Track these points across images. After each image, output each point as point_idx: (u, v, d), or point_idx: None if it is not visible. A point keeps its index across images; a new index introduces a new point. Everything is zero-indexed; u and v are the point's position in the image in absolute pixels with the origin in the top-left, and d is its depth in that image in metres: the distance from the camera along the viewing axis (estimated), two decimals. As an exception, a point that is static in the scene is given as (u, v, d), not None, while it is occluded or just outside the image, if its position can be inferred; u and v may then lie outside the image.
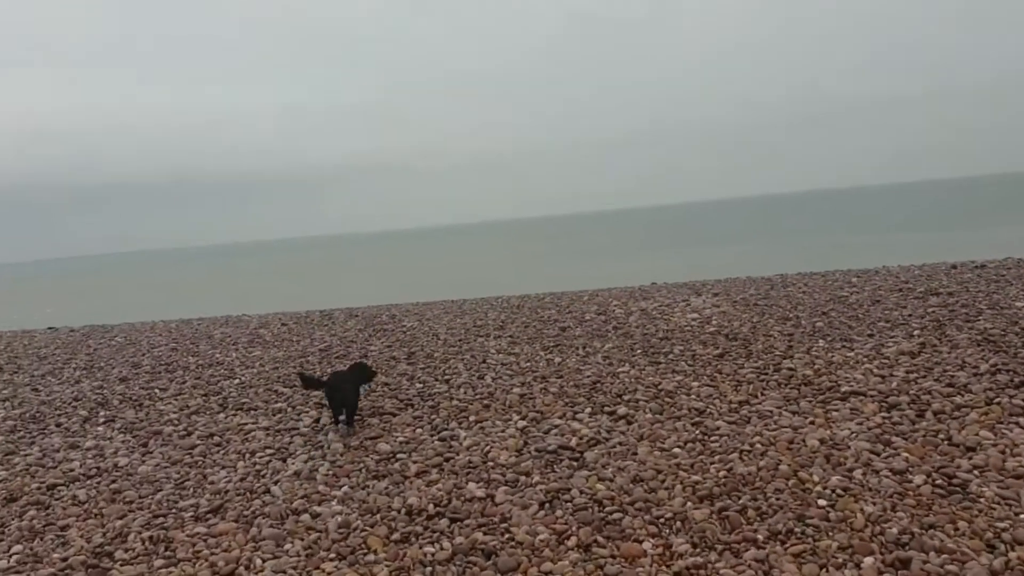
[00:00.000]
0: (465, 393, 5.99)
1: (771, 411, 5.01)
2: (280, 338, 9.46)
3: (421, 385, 6.37)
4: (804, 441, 4.44)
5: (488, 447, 4.80)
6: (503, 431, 5.07)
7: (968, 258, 11.36)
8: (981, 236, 26.17)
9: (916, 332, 6.66)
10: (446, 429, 5.21)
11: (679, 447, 4.55)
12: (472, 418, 5.39)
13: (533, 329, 8.46)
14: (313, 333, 9.65)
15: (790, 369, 5.89)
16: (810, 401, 5.14)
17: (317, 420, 5.70)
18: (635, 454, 4.48)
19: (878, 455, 4.18)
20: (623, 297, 10.57)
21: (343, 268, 52.92)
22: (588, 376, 6.20)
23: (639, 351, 6.95)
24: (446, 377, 6.53)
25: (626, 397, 5.55)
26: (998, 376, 5.22)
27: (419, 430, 5.24)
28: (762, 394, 5.39)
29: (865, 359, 5.99)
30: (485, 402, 5.71)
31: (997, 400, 4.81)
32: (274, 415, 5.91)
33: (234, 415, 6.01)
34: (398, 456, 4.79)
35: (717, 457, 4.36)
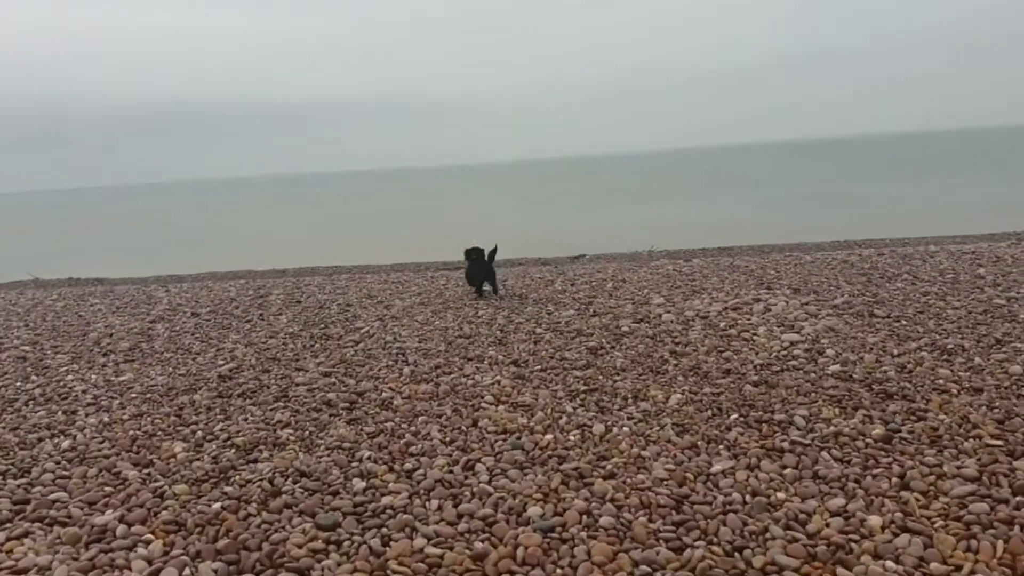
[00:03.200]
0: (436, 528, 3.19)
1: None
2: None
3: (345, 498, 3.55)
4: None
5: None
6: None
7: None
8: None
9: None
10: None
11: None
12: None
13: (549, 347, 5.66)
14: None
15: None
16: None
17: None
18: None
19: None
20: (661, 284, 7.81)
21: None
22: (665, 488, 3.42)
23: (733, 414, 4.19)
24: (406, 468, 3.73)
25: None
26: None
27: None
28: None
29: None
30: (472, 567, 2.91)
31: None
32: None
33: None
34: None
35: None
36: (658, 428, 4.05)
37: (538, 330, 6.18)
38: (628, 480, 3.48)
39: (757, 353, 5.26)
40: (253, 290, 9.16)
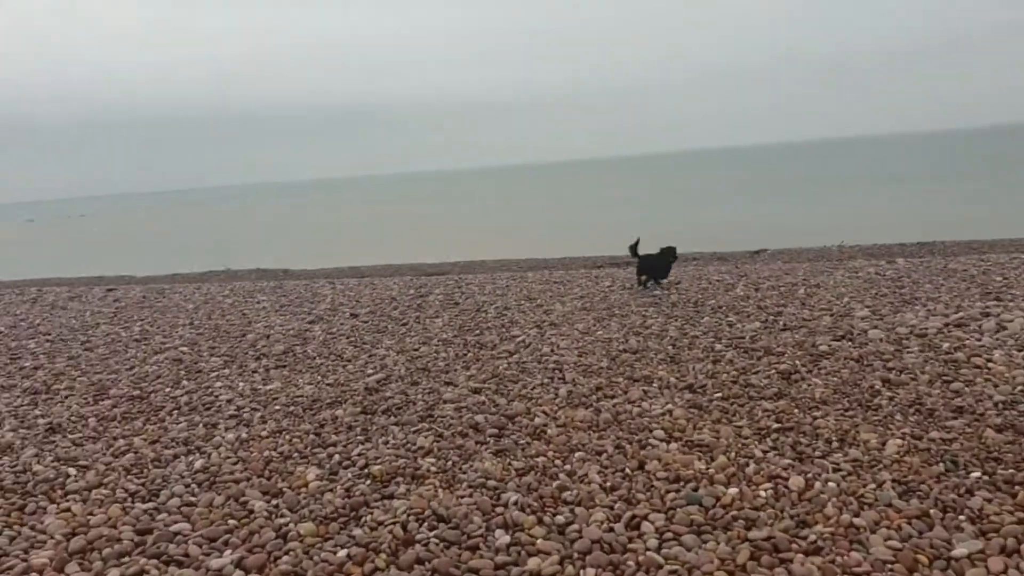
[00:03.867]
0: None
1: None
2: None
3: None
4: None
5: None
6: None
7: None
8: None
9: None
10: None
11: None
12: None
13: (731, 369, 4.86)
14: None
15: None
16: None
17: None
18: None
19: None
20: (863, 291, 6.78)
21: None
22: (890, 575, 2.62)
23: (974, 470, 3.28)
24: (558, 521, 3.13)
25: None
26: None
27: None
28: None
29: None
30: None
31: None
32: None
33: None
34: None
35: None
36: (874, 486, 3.21)
37: (717, 346, 5.39)
38: (838, 559, 2.70)
39: (996, 386, 4.22)
40: (414, 289, 8.89)
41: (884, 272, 7.81)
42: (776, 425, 3.91)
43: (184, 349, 6.44)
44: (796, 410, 4.09)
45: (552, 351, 5.56)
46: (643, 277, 8.09)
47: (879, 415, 3.95)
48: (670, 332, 5.87)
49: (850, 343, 5.20)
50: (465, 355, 5.64)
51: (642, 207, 39.76)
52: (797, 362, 4.88)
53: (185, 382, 5.46)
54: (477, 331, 6.38)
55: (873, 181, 44.07)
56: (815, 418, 3.96)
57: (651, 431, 3.96)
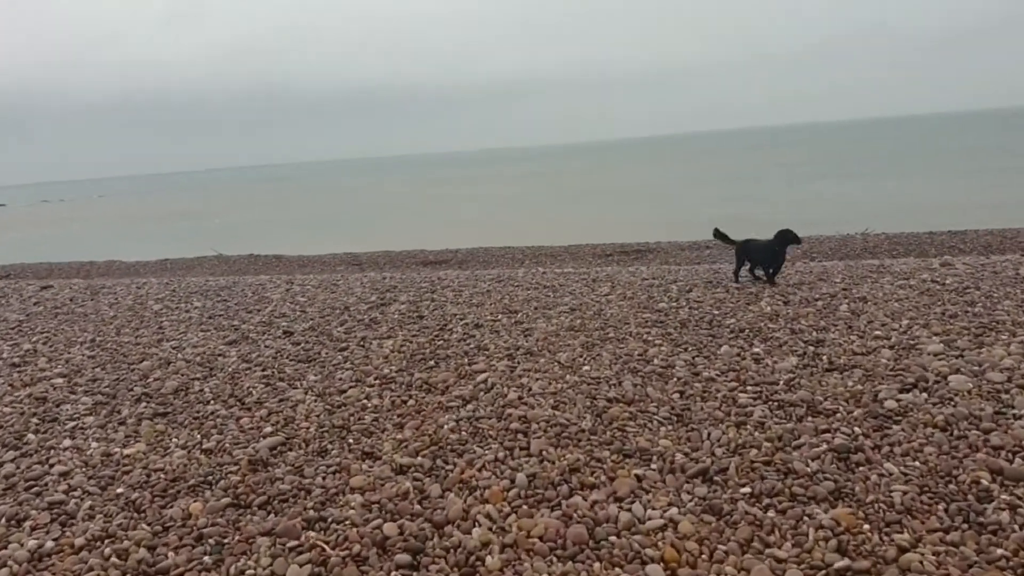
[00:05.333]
0: None
1: None
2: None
3: None
4: None
5: None
6: None
7: None
8: None
9: None
10: None
11: None
12: None
13: (761, 439, 3.43)
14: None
15: None
16: None
17: None
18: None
19: None
20: (925, 308, 5.40)
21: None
22: None
23: None
24: None
25: None
26: None
27: None
28: None
29: None
30: None
31: None
32: None
33: None
34: None
35: None
36: None
37: (740, 396, 3.96)
38: None
39: None
40: (377, 295, 7.48)
41: (943, 280, 6.34)
42: (839, 561, 2.49)
43: (58, 382, 5.06)
44: (867, 525, 2.68)
45: (520, 398, 4.14)
46: (748, 268, 7.05)
47: (997, 538, 2.53)
48: (677, 369, 4.44)
49: (926, 396, 3.75)
50: (405, 403, 4.23)
51: (652, 192, 38.29)
52: (856, 428, 3.44)
53: (30, 436, 4.09)
54: (431, 361, 4.97)
55: (911, 162, 42.31)
56: (900, 547, 2.54)
57: (643, 561, 2.56)
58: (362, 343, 5.55)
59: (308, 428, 3.94)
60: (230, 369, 5.08)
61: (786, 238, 6.66)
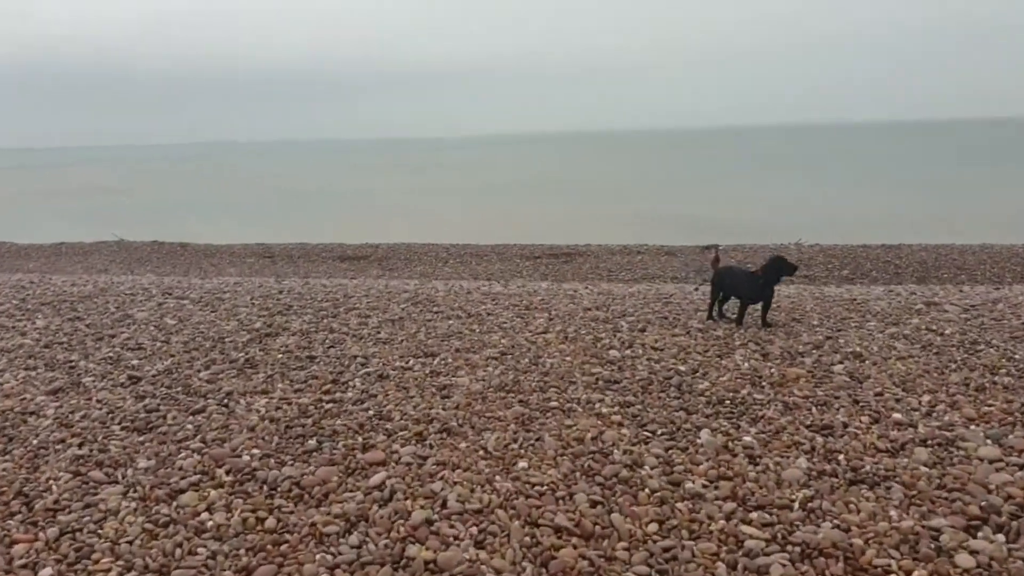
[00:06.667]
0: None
1: None
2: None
3: None
4: None
5: None
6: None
7: None
8: None
9: None
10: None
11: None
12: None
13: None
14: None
15: None
16: None
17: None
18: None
19: None
20: (925, 367, 4.33)
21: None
22: None
23: None
24: None
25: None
26: None
27: None
28: None
29: None
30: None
31: None
32: None
33: None
34: None
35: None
36: None
37: (743, 530, 2.78)
38: None
39: None
40: (265, 319, 6.10)
41: (940, 329, 5.35)
42: None
43: None
44: None
45: (428, 522, 2.88)
46: (722, 301, 5.90)
47: None
48: (647, 472, 3.25)
49: (1004, 539, 2.65)
50: (261, 522, 2.92)
51: (590, 187, 37.49)
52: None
53: None
54: (312, 440, 3.64)
55: (849, 171, 42.54)
56: None
57: None
58: (226, 402, 4.18)
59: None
60: (34, 443, 3.65)
61: (779, 268, 5.50)
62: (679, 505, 3.01)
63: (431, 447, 3.58)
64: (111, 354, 5.12)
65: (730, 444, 3.54)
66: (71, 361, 4.95)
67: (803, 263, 13.10)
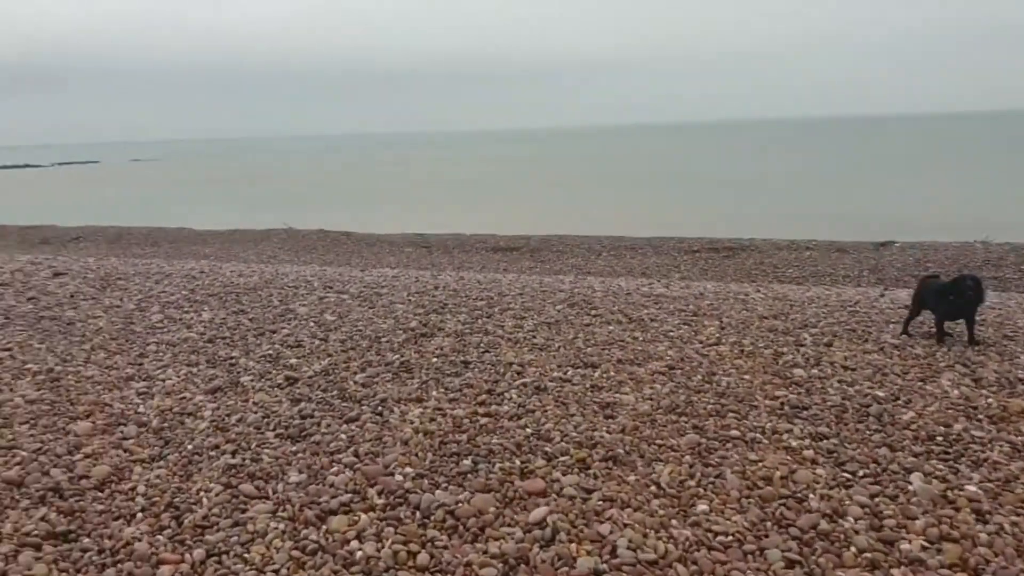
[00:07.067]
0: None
1: None
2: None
3: None
4: None
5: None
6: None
7: None
8: None
9: None
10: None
11: None
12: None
13: None
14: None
15: None
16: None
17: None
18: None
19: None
20: None
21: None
22: None
23: None
24: None
25: None
26: None
27: None
28: None
29: None
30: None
31: None
32: None
33: None
34: None
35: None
36: None
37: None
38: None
39: None
40: (421, 317, 5.96)
41: None
42: None
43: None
44: None
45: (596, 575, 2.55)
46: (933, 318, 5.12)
47: None
48: (851, 525, 2.77)
49: None
50: (413, 557, 2.69)
51: (746, 182, 36.00)
52: None
53: None
54: (467, 460, 3.39)
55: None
56: None
57: None
58: (380, 410, 4.00)
59: (247, 610, 2.43)
60: (189, 448, 3.61)
61: (961, 286, 4.81)
62: (894, 572, 2.51)
63: (596, 477, 3.23)
64: (271, 351, 5.11)
65: (950, 494, 2.98)
66: (232, 358, 4.97)
67: (991, 264, 11.76)
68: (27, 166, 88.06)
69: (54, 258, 9.99)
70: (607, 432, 3.67)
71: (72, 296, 6.82)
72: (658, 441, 3.56)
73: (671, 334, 5.37)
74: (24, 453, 3.45)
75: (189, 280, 7.79)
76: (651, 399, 4.09)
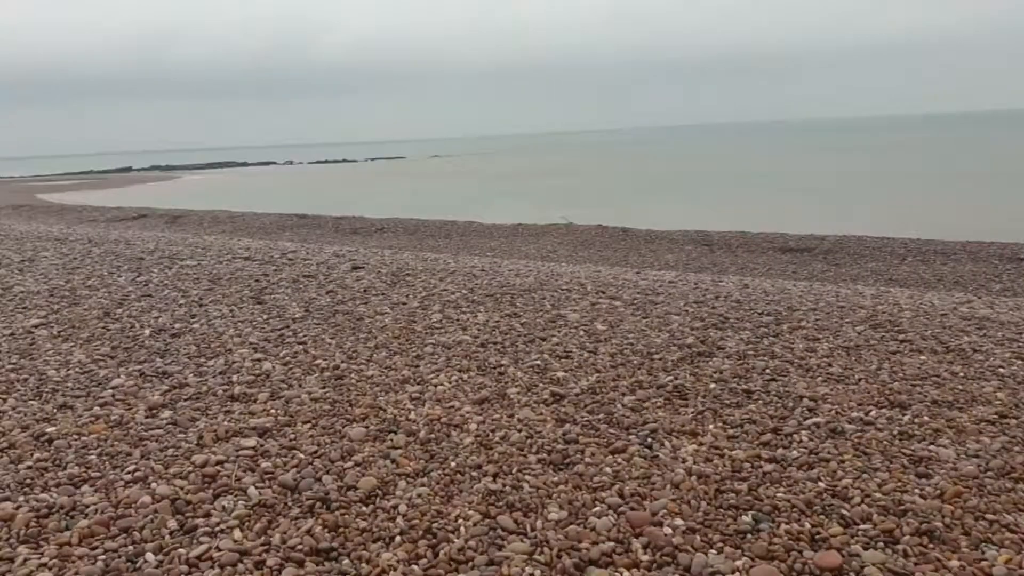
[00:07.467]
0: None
1: None
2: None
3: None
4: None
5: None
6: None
7: None
8: None
9: None
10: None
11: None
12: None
13: None
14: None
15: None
16: None
17: None
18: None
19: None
20: None
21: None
22: None
23: None
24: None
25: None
26: None
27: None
28: None
29: None
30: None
31: None
32: None
33: None
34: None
35: None
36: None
37: None
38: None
39: None
40: (699, 332, 5.52)
41: None
42: None
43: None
44: None
45: None
46: None
47: None
48: None
49: None
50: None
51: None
52: None
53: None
54: (743, 516, 2.94)
55: None
56: None
57: None
58: (649, 442, 3.67)
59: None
60: (452, 465, 3.52)
61: None
62: None
63: (906, 556, 2.64)
64: (539, 361, 4.98)
65: None
66: (501, 366, 4.91)
67: None
68: (344, 161, 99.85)
69: (356, 251, 10.83)
70: (920, 496, 3.03)
71: (365, 291, 7.24)
72: (988, 515, 2.86)
73: (1001, 371, 4.45)
74: (302, 455, 3.58)
75: (469, 279, 7.98)
76: (977, 456, 3.35)
